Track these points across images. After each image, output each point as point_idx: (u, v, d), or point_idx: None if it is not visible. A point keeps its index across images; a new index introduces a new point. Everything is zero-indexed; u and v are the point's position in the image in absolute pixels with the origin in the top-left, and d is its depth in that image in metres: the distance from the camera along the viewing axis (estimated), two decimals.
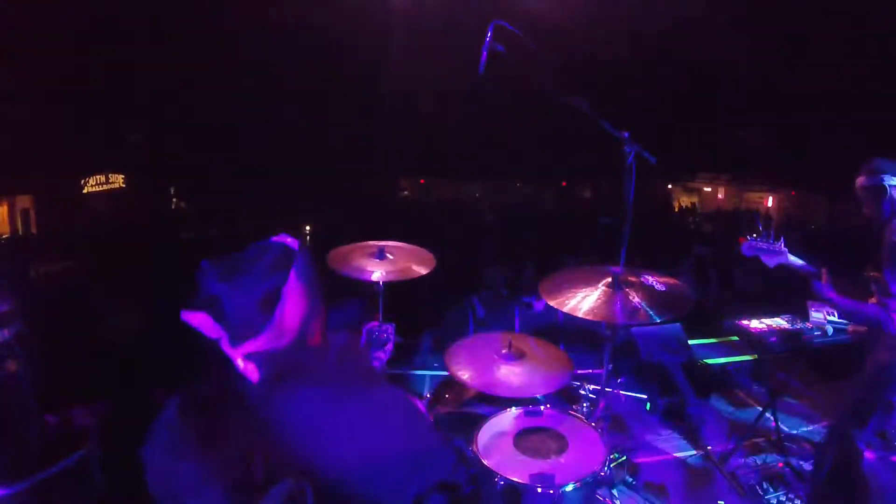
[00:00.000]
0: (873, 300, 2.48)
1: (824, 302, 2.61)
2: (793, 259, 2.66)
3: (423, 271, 2.81)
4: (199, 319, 1.17)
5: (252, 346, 1.19)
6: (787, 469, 3.23)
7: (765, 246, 2.63)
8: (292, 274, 1.25)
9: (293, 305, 1.23)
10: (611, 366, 2.59)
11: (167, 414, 1.28)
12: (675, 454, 3.48)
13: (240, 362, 1.20)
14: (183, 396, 1.29)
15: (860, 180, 2.53)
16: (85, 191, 21.30)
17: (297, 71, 22.15)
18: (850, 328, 3.22)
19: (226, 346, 1.19)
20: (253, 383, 1.23)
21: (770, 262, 2.63)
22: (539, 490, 1.97)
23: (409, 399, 1.38)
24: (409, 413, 1.35)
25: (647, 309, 2.19)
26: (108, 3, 17.08)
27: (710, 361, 4.38)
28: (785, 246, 2.63)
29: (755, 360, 4.42)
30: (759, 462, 3.32)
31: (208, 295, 1.18)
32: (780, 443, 3.42)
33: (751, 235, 2.74)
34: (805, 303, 3.43)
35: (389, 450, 1.26)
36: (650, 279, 2.35)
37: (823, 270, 2.57)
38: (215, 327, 1.18)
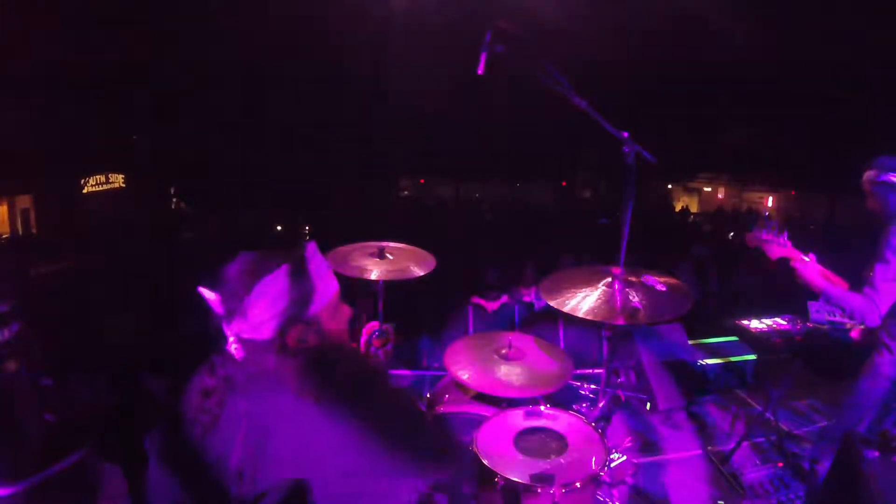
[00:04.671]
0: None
1: (808, 286, 2.60)
2: (793, 251, 2.65)
3: (423, 271, 2.82)
4: (210, 295, 1.27)
5: (234, 328, 1.25)
6: (787, 469, 3.23)
7: (769, 237, 2.64)
8: (281, 269, 1.25)
9: (269, 301, 1.23)
10: (611, 366, 2.59)
11: (172, 407, 1.32)
12: (675, 454, 3.49)
13: (231, 341, 1.27)
14: (188, 388, 1.31)
15: (869, 174, 2.54)
16: (85, 191, 21.28)
17: (297, 70, 22.14)
18: (849, 324, 3.21)
19: (224, 325, 1.26)
20: (246, 377, 1.26)
21: (772, 254, 2.64)
22: (539, 490, 1.97)
23: (411, 400, 1.38)
24: (410, 416, 1.35)
25: (647, 309, 2.19)
26: (108, 3, 17.07)
27: (709, 361, 4.38)
28: (788, 239, 2.64)
29: (755, 360, 4.42)
30: (759, 462, 3.32)
31: (222, 276, 1.28)
32: (780, 443, 3.43)
33: (755, 227, 2.75)
34: (805, 303, 3.43)
35: (389, 451, 1.26)
36: (650, 279, 2.35)
37: (811, 255, 2.59)
38: (220, 306, 1.26)
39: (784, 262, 2.64)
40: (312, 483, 1.16)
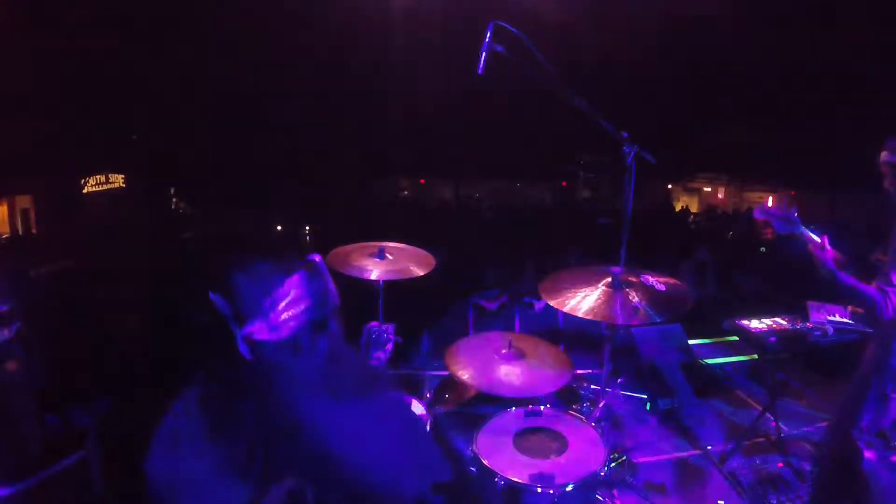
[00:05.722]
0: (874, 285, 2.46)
1: (823, 273, 2.54)
2: (803, 229, 2.61)
3: (423, 271, 2.82)
4: (220, 299, 1.29)
5: (248, 329, 1.27)
6: (787, 469, 3.23)
7: (778, 212, 2.58)
8: (297, 276, 1.29)
9: (291, 303, 1.26)
10: (611, 366, 2.59)
11: (175, 409, 1.31)
12: (675, 454, 3.48)
13: (241, 342, 1.28)
14: (191, 391, 1.31)
15: (884, 155, 2.51)
16: (85, 191, 21.27)
17: (297, 70, 22.16)
18: (850, 309, 3.19)
19: (233, 325, 1.29)
20: (253, 378, 1.27)
21: (781, 228, 2.59)
22: (539, 490, 1.97)
23: (406, 405, 1.40)
24: (407, 418, 1.37)
25: (647, 309, 2.18)
26: (108, 3, 17.08)
27: (709, 361, 4.38)
28: (797, 215, 2.58)
29: (755, 360, 4.42)
30: (759, 462, 3.32)
31: (233, 277, 1.30)
32: (780, 443, 3.42)
33: (765, 203, 2.70)
34: (805, 303, 3.43)
35: (387, 454, 1.26)
36: (650, 279, 2.35)
37: (824, 238, 2.53)
38: (227, 306, 1.29)
39: (791, 239, 2.58)
40: (320, 481, 1.17)
